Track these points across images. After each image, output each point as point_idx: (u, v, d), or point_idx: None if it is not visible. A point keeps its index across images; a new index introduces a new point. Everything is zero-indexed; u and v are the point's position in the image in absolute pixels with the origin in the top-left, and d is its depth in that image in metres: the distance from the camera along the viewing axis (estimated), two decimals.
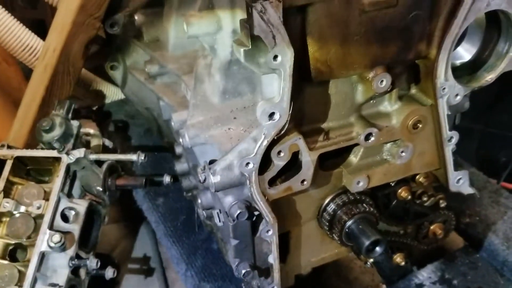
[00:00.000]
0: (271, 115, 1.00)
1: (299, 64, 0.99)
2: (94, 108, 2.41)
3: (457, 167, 1.30)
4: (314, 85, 1.07)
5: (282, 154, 1.07)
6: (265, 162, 1.08)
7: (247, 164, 1.04)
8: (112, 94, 2.27)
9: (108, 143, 1.74)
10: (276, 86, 0.99)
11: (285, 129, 1.03)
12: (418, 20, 1.03)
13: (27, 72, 2.08)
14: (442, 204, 1.40)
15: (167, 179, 1.62)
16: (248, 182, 1.07)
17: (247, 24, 0.90)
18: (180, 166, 1.51)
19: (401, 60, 1.08)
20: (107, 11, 1.73)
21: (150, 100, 1.79)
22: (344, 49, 1.00)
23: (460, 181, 1.31)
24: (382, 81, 1.06)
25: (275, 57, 0.93)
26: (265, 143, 1.03)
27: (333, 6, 0.95)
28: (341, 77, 1.06)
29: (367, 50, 1.02)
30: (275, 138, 1.04)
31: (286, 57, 0.93)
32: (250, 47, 0.93)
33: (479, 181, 1.84)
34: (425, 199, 1.37)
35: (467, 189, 1.33)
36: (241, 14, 1.11)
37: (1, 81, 2.13)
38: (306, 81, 1.04)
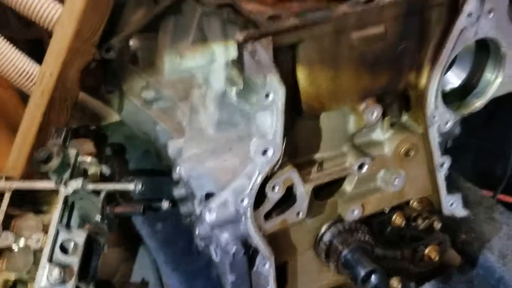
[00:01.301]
0: (265, 151, 1.01)
1: (291, 99, 1.00)
2: (92, 128, 2.43)
3: (450, 189, 1.32)
4: (306, 118, 1.08)
5: (277, 189, 1.08)
6: (260, 196, 1.09)
7: (242, 200, 1.05)
8: (109, 115, 2.28)
9: (105, 170, 1.74)
10: (269, 122, 1.00)
11: (279, 164, 1.04)
12: (407, 52, 1.05)
13: (22, 95, 2.09)
14: (437, 226, 1.40)
15: (165, 204, 1.62)
16: (243, 218, 1.08)
17: (239, 64, 0.92)
18: (178, 192, 1.51)
19: (391, 90, 1.10)
20: (102, 36, 1.76)
21: (147, 125, 1.80)
22: (335, 83, 1.02)
23: (453, 205, 1.33)
24: (373, 112, 1.08)
25: (267, 95, 0.94)
26: (260, 179, 1.04)
27: (323, 43, 0.96)
28: (332, 110, 1.07)
29: (358, 83, 1.04)
30: (269, 173, 1.06)
31: (278, 95, 0.95)
32: (242, 86, 0.94)
33: (475, 197, 1.84)
34: (419, 222, 1.38)
35: (460, 212, 1.35)
36: (234, 47, 1.12)
37: None
38: (298, 115, 1.05)
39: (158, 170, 2.01)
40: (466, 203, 1.77)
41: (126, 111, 1.89)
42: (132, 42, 1.73)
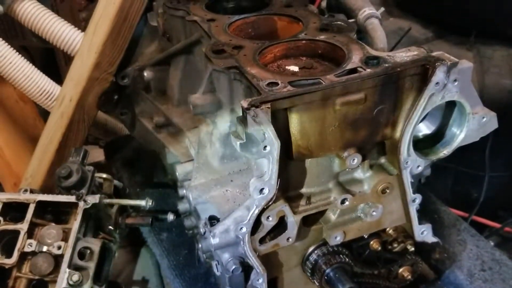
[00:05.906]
0: (262, 190, 1.20)
1: (285, 147, 1.20)
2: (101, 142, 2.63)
3: (422, 219, 1.52)
4: (298, 161, 1.28)
5: (270, 219, 1.28)
6: (256, 224, 1.29)
7: (241, 228, 1.25)
8: (120, 130, 2.48)
9: (118, 183, 1.94)
10: (266, 166, 1.19)
11: (273, 200, 1.24)
12: (384, 112, 1.23)
13: (40, 108, 2.28)
14: (411, 249, 1.60)
15: (170, 217, 1.82)
16: (242, 242, 1.28)
17: (243, 123, 1.11)
18: (183, 206, 1.70)
19: (370, 142, 1.29)
20: (118, 65, 1.94)
21: (156, 145, 1.99)
22: (322, 137, 1.21)
23: (424, 233, 1.52)
24: (354, 159, 1.27)
25: (265, 147, 1.13)
26: (257, 212, 1.24)
27: (312, 107, 1.15)
28: (319, 157, 1.27)
29: (341, 137, 1.23)
30: (265, 206, 1.26)
31: (274, 147, 1.13)
32: (245, 140, 1.13)
33: (449, 219, 2.01)
34: (395, 245, 1.58)
35: (430, 239, 1.54)
36: (237, 97, 1.32)
37: (18, 119, 2.33)
38: (291, 159, 1.25)
39: (163, 183, 2.21)
40: (441, 225, 1.99)
41: (137, 130, 2.09)
42: (146, 73, 1.92)
